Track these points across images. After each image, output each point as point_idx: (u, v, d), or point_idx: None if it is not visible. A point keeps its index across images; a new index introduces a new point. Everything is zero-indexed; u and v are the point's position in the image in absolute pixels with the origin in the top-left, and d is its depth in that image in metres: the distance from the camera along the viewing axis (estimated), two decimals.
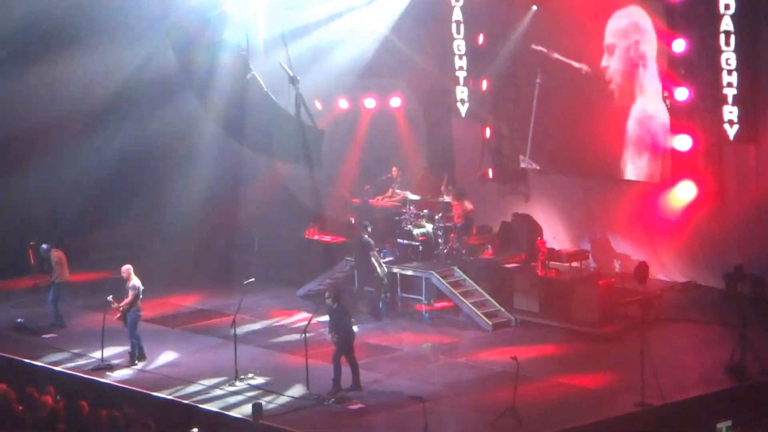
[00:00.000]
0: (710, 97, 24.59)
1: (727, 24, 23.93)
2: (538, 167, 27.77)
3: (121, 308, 22.26)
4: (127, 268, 22.55)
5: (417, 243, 25.91)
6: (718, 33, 24.04)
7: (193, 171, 29.69)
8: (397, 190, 27.71)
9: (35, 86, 28.25)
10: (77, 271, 26.64)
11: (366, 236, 25.23)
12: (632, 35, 25.69)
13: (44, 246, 25.01)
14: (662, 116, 25.43)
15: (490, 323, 24.26)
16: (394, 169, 28.02)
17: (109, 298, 22.38)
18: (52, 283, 24.77)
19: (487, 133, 28.63)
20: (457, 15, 28.51)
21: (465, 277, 25.20)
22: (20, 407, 17.45)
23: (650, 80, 25.59)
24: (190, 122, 28.58)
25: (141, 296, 22.45)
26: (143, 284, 22.55)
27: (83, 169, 28.93)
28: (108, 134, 29.45)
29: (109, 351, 22.55)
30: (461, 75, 28.80)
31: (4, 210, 28.32)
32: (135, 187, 30.57)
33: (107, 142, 29.34)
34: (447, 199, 26.37)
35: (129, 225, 30.59)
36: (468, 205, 26.23)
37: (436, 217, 26.07)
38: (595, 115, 26.56)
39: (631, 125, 26.03)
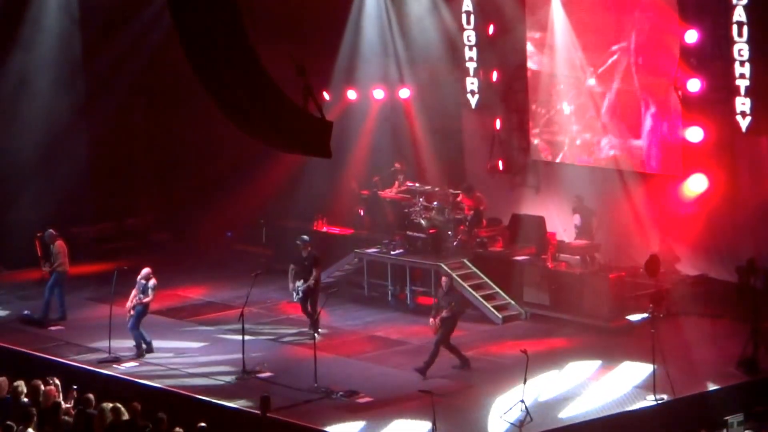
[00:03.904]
0: (722, 88, 24.34)
1: (739, 14, 23.69)
2: (548, 158, 27.62)
3: (131, 307, 22.26)
4: (147, 271, 22.43)
5: (426, 235, 25.75)
6: (730, 23, 23.81)
7: (199, 161, 29.64)
8: (406, 184, 27.58)
9: None
10: (84, 263, 26.62)
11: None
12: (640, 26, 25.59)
13: (52, 232, 24.71)
14: (673, 108, 25.24)
15: (500, 316, 24.15)
16: (396, 164, 27.89)
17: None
18: (57, 272, 24.55)
19: (498, 124, 28.44)
20: (467, 5, 28.31)
21: (475, 269, 25.07)
22: (26, 399, 17.42)
23: (658, 72, 25.41)
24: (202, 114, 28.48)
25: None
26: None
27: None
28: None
29: (117, 343, 22.43)
30: (471, 66, 28.59)
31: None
32: (142, 178, 30.51)
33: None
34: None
35: (136, 216, 30.54)
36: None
37: (446, 209, 25.95)
38: (601, 107, 26.42)
39: (641, 116, 25.89)
